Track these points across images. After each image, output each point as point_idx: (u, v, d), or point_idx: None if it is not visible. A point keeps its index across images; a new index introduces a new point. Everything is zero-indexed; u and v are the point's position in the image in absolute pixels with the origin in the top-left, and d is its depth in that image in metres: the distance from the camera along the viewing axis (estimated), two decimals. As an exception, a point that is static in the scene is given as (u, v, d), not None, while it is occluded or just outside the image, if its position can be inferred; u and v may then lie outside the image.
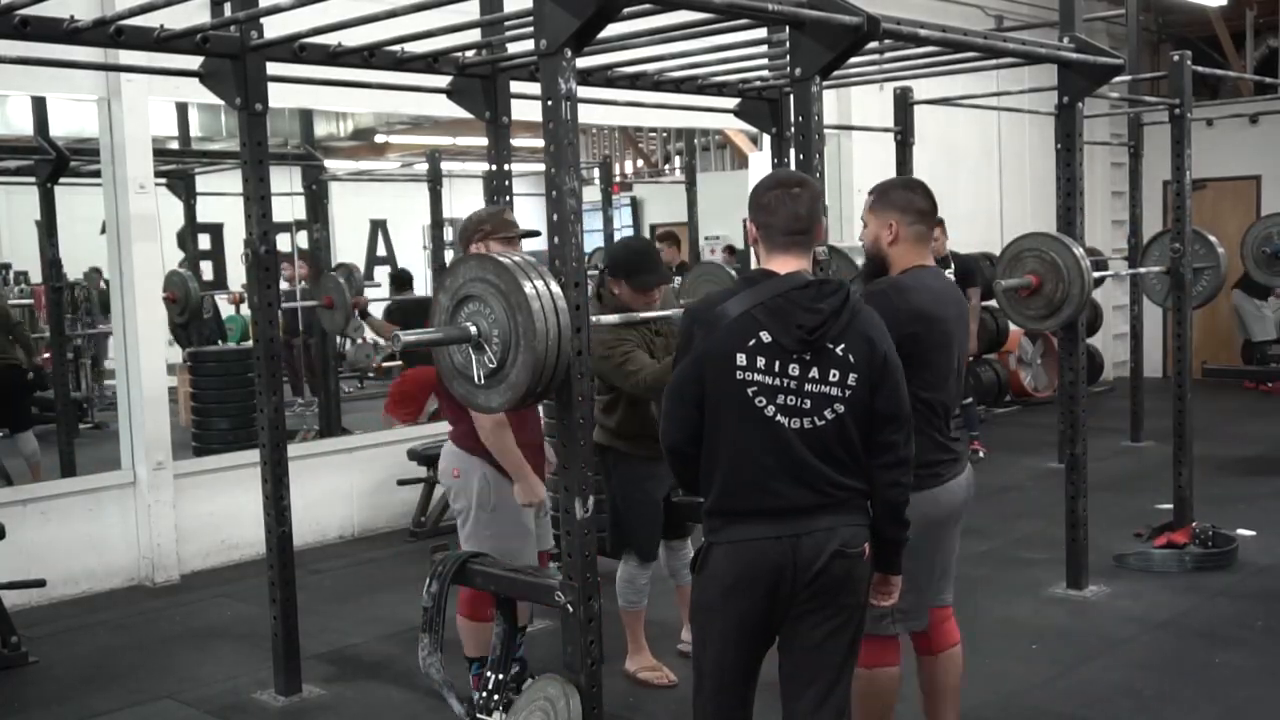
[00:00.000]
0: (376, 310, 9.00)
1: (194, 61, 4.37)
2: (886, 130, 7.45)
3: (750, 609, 2.78)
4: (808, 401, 2.71)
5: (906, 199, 3.44)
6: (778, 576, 2.74)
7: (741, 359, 2.70)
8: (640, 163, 15.50)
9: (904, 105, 7.31)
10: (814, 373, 2.71)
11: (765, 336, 2.71)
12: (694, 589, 2.91)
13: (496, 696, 3.80)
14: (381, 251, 11.84)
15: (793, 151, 3.92)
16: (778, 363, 2.70)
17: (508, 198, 4.98)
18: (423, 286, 10.69)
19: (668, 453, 2.86)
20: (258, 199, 4.43)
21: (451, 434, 4.26)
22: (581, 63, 3.65)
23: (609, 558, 4.43)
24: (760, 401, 2.71)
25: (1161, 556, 5.92)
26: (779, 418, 2.71)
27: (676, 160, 14.77)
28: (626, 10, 3.28)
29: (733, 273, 5.66)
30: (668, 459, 2.89)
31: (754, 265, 2.92)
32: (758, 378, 2.70)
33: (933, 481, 3.33)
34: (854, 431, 2.75)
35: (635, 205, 14.97)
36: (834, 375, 2.72)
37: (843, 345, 2.73)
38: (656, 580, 4.72)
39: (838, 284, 2.80)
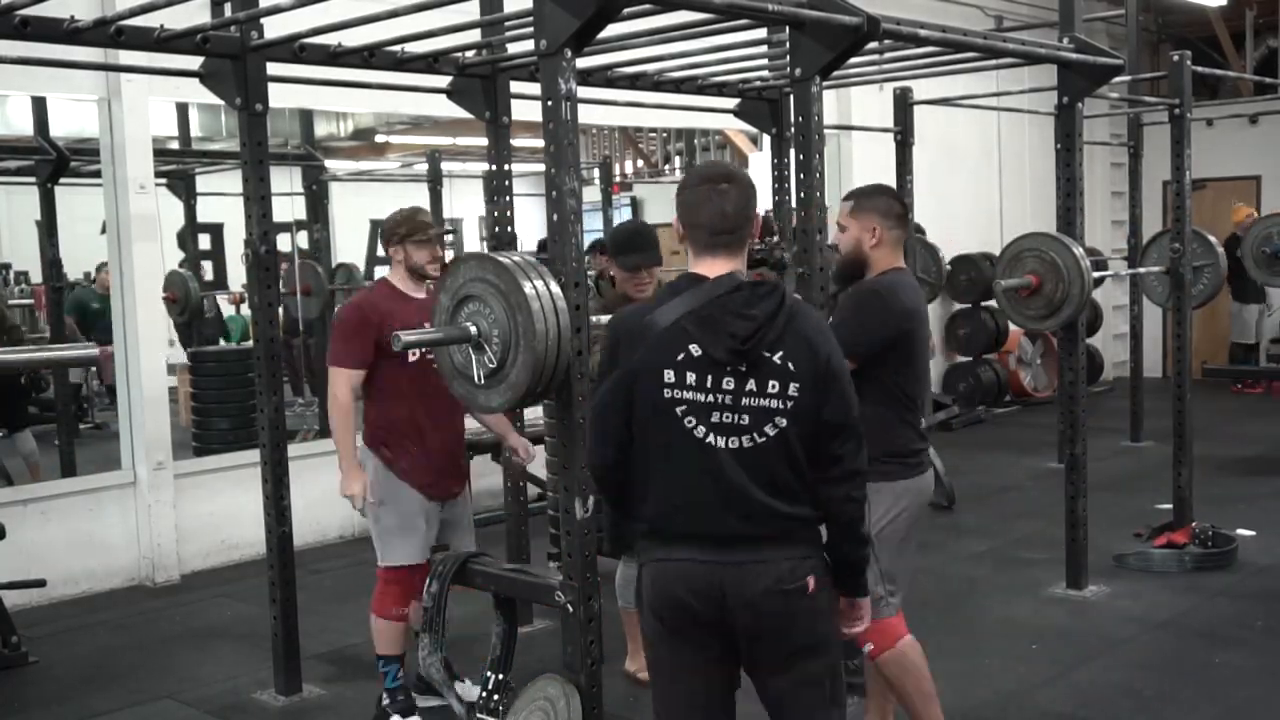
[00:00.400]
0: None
1: (194, 62, 4.37)
2: (886, 130, 7.45)
3: (681, 637, 2.56)
4: (745, 417, 2.46)
5: (887, 204, 3.57)
6: (703, 603, 2.49)
7: (669, 375, 2.47)
8: (640, 163, 15.49)
9: (904, 105, 7.31)
10: (751, 385, 2.47)
11: (695, 350, 2.47)
12: (640, 620, 2.73)
13: (497, 696, 3.80)
14: (381, 252, 11.83)
15: (792, 151, 3.92)
16: (710, 377, 2.46)
17: (508, 198, 4.98)
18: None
19: (592, 473, 2.72)
20: (258, 199, 4.43)
21: (363, 429, 4.32)
22: (581, 63, 3.65)
23: (608, 557, 4.43)
24: (690, 422, 2.47)
25: (1161, 556, 5.92)
26: (711, 438, 2.46)
27: (676, 160, 14.77)
28: (626, 10, 3.28)
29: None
30: (593, 479, 2.75)
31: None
32: (688, 395, 2.47)
33: (918, 469, 3.54)
34: (798, 447, 2.49)
35: (635, 205, 14.97)
36: (773, 386, 2.47)
37: (781, 352, 2.48)
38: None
39: (772, 285, 2.54)
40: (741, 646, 2.54)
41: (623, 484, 2.61)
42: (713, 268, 2.56)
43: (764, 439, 2.47)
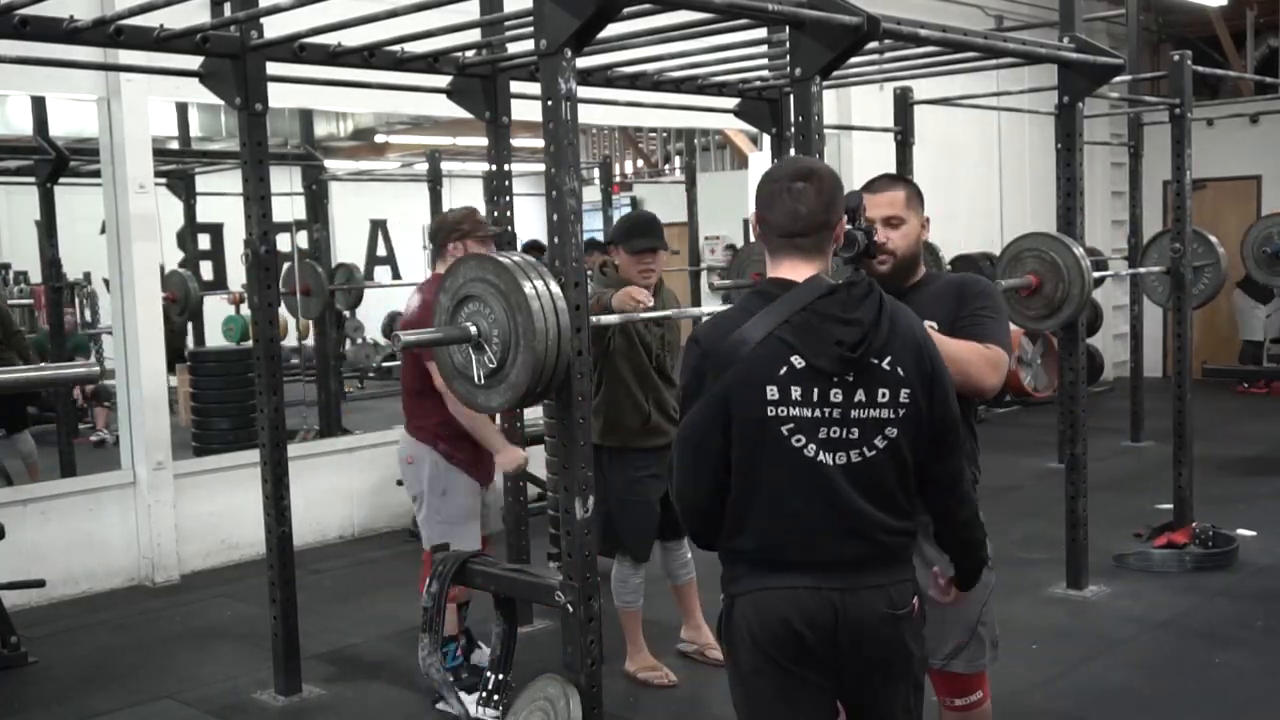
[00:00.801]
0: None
1: (194, 61, 4.37)
2: (886, 130, 7.45)
3: (787, 670, 2.34)
4: (855, 430, 2.28)
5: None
6: (816, 632, 2.31)
7: (772, 391, 2.26)
8: (640, 163, 15.50)
9: (904, 105, 7.31)
10: (860, 395, 2.28)
11: (797, 361, 2.26)
12: (728, 661, 2.47)
13: (497, 696, 3.81)
14: (381, 251, 11.84)
15: (792, 151, 3.92)
16: (816, 390, 2.26)
17: (508, 198, 4.98)
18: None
19: (684, 512, 2.43)
20: (258, 199, 4.43)
21: (406, 424, 4.55)
22: (581, 63, 3.65)
23: (602, 556, 4.44)
24: (798, 440, 2.27)
25: (1161, 556, 5.92)
26: (821, 455, 2.28)
27: (676, 160, 14.77)
28: (626, 10, 3.28)
29: None
30: (682, 517, 2.46)
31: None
32: (794, 411, 2.26)
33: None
34: (909, 457, 2.34)
35: (635, 205, 14.96)
36: (883, 395, 2.29)
37: (889, 357, 2.30)
38: (655, 579, 4.72)
39: (867, 285, 2.34)
40: (845, 676, 2.37)
41: (717, 517, 2.37)
42: (792, 270, 2.36)
43: (874, 452, 2.30)
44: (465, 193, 12.34)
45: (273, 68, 4.42)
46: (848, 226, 2.64)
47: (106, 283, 6.72)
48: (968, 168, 10.96)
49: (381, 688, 4.72)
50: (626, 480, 4.49)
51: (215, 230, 10.04)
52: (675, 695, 4.49)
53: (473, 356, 3.26)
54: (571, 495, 3.28)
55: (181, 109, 9.28)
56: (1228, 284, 8.29)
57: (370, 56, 4.57)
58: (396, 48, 4.60)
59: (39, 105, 7.55)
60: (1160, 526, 6.14)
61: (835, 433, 2.28)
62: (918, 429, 2.34)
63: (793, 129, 3.90)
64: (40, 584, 5.65)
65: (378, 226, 11.69)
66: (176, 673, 4.97)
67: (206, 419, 8.10)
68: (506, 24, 4.54)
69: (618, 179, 13.89)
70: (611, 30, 3.43)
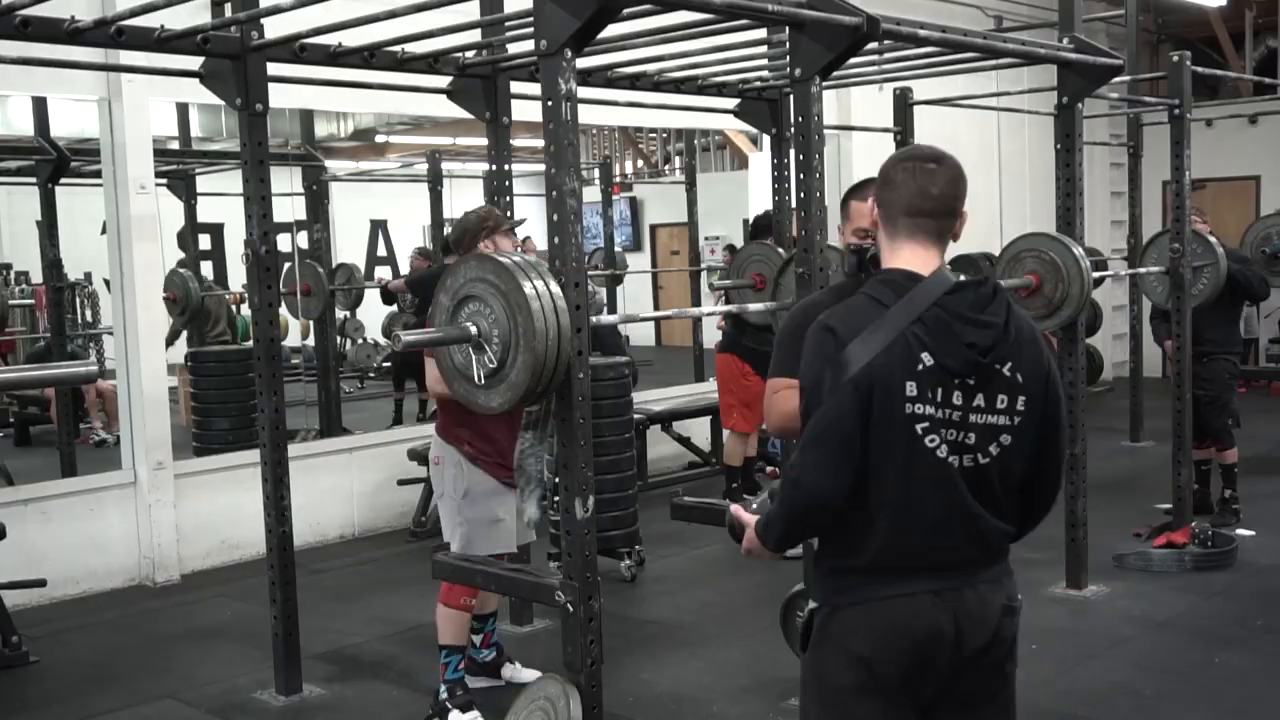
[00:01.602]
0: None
1: (194, 62, 4.38)
2: (886, 130, 7.45)
3: (893, 692, 2.24)
4: (973, 435, 2.22)
5: None
6: (935, 645, 2.22)
7: (911, 389, 2.17)
8: (640, 163, 15.51)
9: (903, 105, 7.31)
10: (979, 400, 2.21)
11: (927, 359, 2.18)
12: (812, 671, 2.34)
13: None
14: (382, 252, 11.84)
15: (792, 152, 3.93)
16: (941, 390, 2.19)
17: (508, 198, 4.99)
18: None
19: (807, 509, 2.26)
20: (258, 199, 4.43)
21: (436, 424, 4.43)
22: (581, 63, 3.65)
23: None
24: (932, 440, 2.19)
25: (1161, 556, 5.92)
26: (949, 457, 2.21)
27: (676, 160, 14.79)
28: (626, 10, 3.28)
29: (781, 252, 5.63)
30: (798, 518, 2.29)
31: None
32: (928, 410, 2.18)
33: None
34: (1017, 468, 2.27)
35: (635, 205, 14.98)
36: (1002, 401, 2.23)
37: (1010, 363, 2.23)
38: (656, 579, 4.72)
39: (993, 285, 2.26)
40: (961, 684, 2.27)
41: (838, 516, 2.24)
42: (914, 257, 2.27)
43: (987, 460, 2.23)
44: (465, 193, 12.35)
45: (273, 68, 4.42)
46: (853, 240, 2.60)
47: (107, 283, 6.72)
48: (967, 168, 10.75)
49: (381, 688, 4.72)
50: None
51: (216, 230, 10.04)
52: (676, 695, 4.49)
53: (473, 356, 3.26)
54: (571, 495, 3.28)
55: (182, 109, 9.27)
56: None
57: (370, 57, 4.57)
58: (397, 48, 4.61)
59: (40, 106, 7.55)
60: (1160, 526, 6.15)
61: (953, 435, 2.21)
62: (1028, 439, 2.27)
63: (793, 129, 3.90)
64: (41, 584, 5.66)
65: (378, 227, 11.69)
66: (176, 673, 4.97)
67: (206, 419, 8.11)
68: (506, 24, 4.54)
69: (618, 179, 13.91)
70: (611, 30, 3.44)
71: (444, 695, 4.25)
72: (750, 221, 7.40)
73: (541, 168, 3.21)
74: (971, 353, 2.19)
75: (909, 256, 2.28)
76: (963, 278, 2.25)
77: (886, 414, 2.17)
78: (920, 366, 2.17)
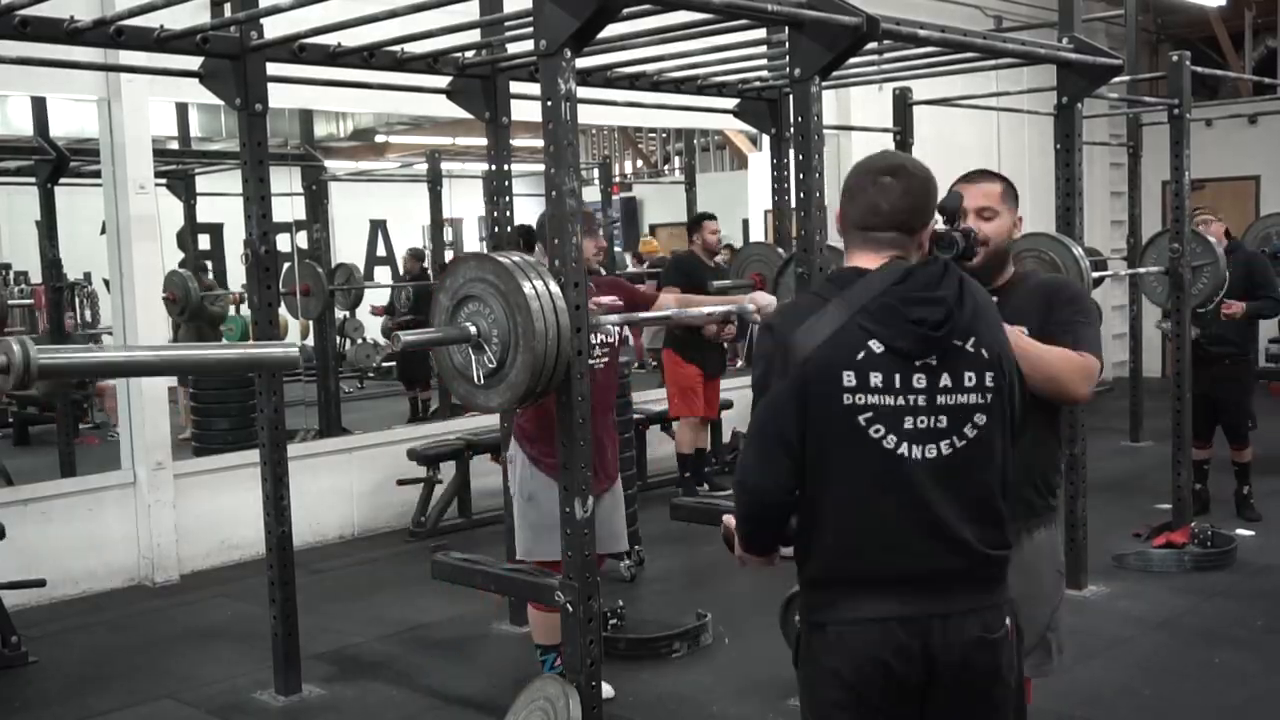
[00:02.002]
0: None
1: (194, 62, 4.38)
2: (886, 131, 7.46)
3: (875, 710, 2.17)
4: (943, 419, 2.11)
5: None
6: (904, 670, 2.14)
7: (849, 378, 2.09)
8: (640, 163, 15.51)
9: (903, 105, 7.31)
10: (946, 380, 2.12)
11: (876, 346, 2.10)
12: (802, 687, 2.29)
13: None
14: (381, 252, 11.85)
15: (792, 152, 3.93)
16: (898, 376, 2.10)
17: (508, 198, 4.99)
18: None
19: (754, 507, 2.25)
20: (258, 199, 4.43)
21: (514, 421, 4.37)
22: (581, 63, 3.66)
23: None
24: (877, 430, 2.10)
25: (1161, 556, 5.92)
26: (902, 449, 2.11)
27: (676, 160, 14.79)
28: (626, 10, 3.29)
29: (781, 252, 5.66)
30: (746, 515, 2.28)
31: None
32: (873, 400, 2.10)
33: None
34: (1000, 448, 2.17)
35: (635, 205, 14.97)
36: (970, 379, 2.13)
37: (973, 338, 2.14)
38: (655, 579, 4.72)
39: (943, 263, 2.20)
40: (939, 710, 2.19)
41: (782, 513, 2.21)
42: (869, 261, 2.21)
43: (964, 442, 2.13)
44: (465, 193, 12.35)
45: (273, 68, 4.42)
46: (943, 227, 2.52)
47: (107, 283, 6.73)
48: (967, 168, 10.91)
49: (381, 688, 4.72)
50: None
51: (215, 230, 10.04)
52: (676, 695, 4.49)
53: (472, 356, 3.26)
54: (571, 495, 3.28)
55: (181, 109, 9.28)
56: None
57: (370, 57, 4.57)
58: (396, 48, 4.61)
59: (39, 106, 7.55)
60: (1160, 526, 6.14)
61: (922, 422, 2.11)
62: (1006, 416, 2.18)
63: (792, 129, 3.90)
64: (40, 584, 5.65)
65: (378, 227, 11.70)
66: (176, 673, 4.97)
67: (206, 419, 8.10)
68: (506, 24, 4.54)
69: (617, 179, 13.91)
70: (611, 30, 3.44)
71: None
72: (745, 221, 7.43)
73: (541, 168, 3.22)
74: (921, 329, 2.10)
75: (859, 260, 2.23)
76: (912, 262, 2.19)
77: (823, 408, 2.11)
78: (862, 355, 2.10)
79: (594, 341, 3.99)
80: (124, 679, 4.92)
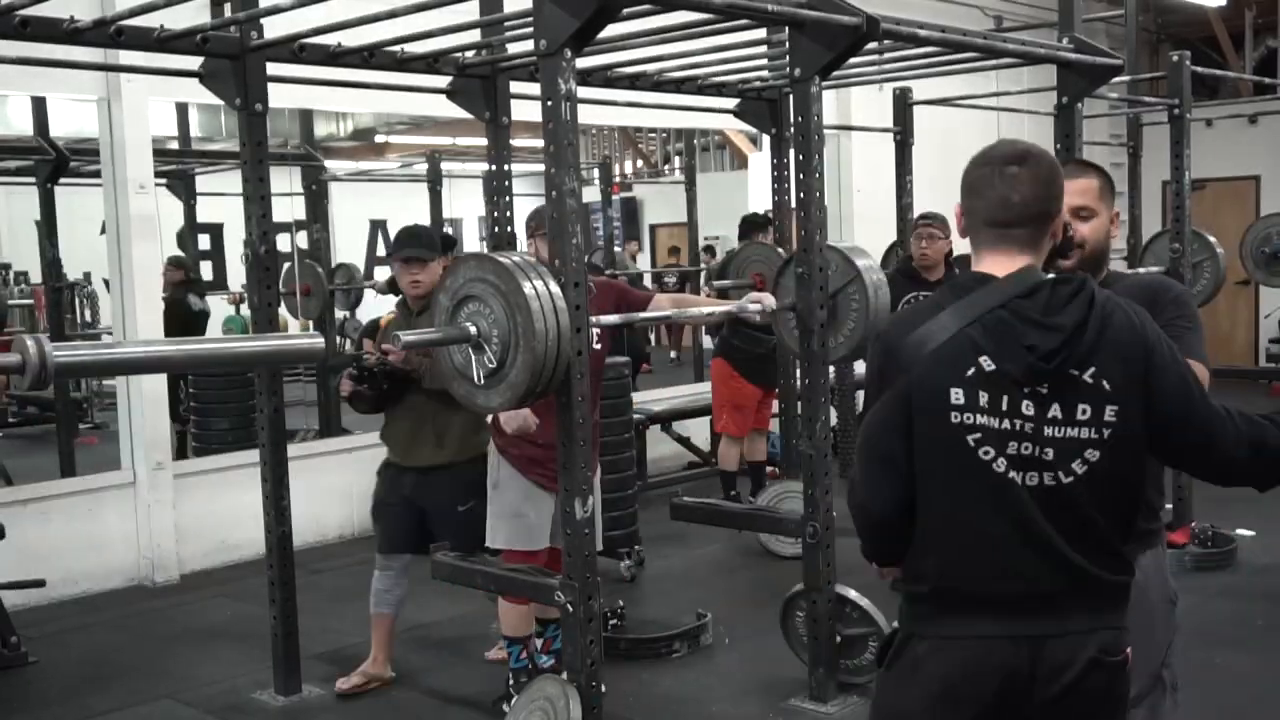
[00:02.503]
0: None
1: (194, 62, 4.37)
2: (886, 130, 7.45)
3: None
4: (1049, 451, 1.99)
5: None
6: (1007, 689, 2.02)
7: (957, 396, 2.00)
8: (640, 163, 15.52)
9: (903, 105, 7.31)
10: (1055, 410, 1.99)
11: (986, 364, 1.99)
12: (884, 690, 2.21)
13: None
14: (381, 252, 11.86)
15: (792, 151, 3.93)
16: (1005, 399, 1.99)
17: (508, 198, 4.99)
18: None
19: (864, 527, 2.16)
20: (258, 199, 4.43)
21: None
22: (581, 63, 3.65)
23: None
24: (986, 453, 2.00)
25: (1161, 556, 5.91)
26: (1012, 473, 2.00)
27: (676, 160, 14.80)
28: (626, 10, 3.29)
29: (781, 252, 5.64)
30: (862, 532, 2.18)
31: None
32: (981, 420, 1.99)
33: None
34: (1117, 488, 2.03)
35: (636, 205, 14.97)
36: (1083, 411, 1.99)
37: (1093, 369, 1.99)
38: (657, 579, 4.71)
39: (1079, 283, 2.02)
40: None
41: (899, 532, 2.10)
42: (998, 266, 2.07)
43: (1071, 478, 1.99)
44: (465, 193, 12.36)
45: (273, 68, 4.42)
46: None
47: (106, 283, 6.73)
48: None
49: (381, 688, 4.71)
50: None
51: (215, 230, 10.04)
52: (677, 695, 4.49)
53: (472, 356, 3.26)
54: (571, 495, 3.28)
55: (181, 109, 9.28)
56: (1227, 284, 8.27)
57: (370, 57, 4.57)
58: (396, 48, 4.61)
59: (39, 105, 7.56)
60: (1159, 526, 6.14)
61: (1026, 449, 1.99)
62: (1131, 453, 2.03)
63: (792, 129, 3.91)
64: (40, 584, 5.65)
65: (378, 227, 11.71)
66: (176, 673, 4.97)
67: (206, 419, 8.10)
68: (506, 24, 4.54)
69: (618, 179, 13.91)
70: (611, 30, 3.44)
71: (510, 683, 4.25)
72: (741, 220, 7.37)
73: (541, 168, 3.22)
74: (1030, 357, 1.97)
75: (990, 264, 2.08)
76: (1045, 276, 2.04)
77: (932, 424, 2.02)
78: (971, 372, 1.99)
79: None
80: (124, 679, 4.92)
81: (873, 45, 4.24)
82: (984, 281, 2.05)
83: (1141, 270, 3.74)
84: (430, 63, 4.71)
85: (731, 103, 5.93)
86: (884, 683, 2.20)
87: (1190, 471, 2.16)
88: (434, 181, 9.37)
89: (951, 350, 2.00)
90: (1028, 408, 1.99)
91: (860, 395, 9.02)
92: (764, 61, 5.34)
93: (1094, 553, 2.02)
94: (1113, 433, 2.00)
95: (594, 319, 3.51)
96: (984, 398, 1.99)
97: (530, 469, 4.18)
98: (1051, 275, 2.05)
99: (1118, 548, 2.05)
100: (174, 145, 9.42)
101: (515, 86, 4.94)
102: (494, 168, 4.95)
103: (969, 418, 2.00)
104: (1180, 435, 2.08)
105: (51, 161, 7.39)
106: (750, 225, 7.12)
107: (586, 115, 3.37)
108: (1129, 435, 2.02)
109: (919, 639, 2.10)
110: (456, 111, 5.05)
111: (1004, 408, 1.99)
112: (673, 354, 13.79)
